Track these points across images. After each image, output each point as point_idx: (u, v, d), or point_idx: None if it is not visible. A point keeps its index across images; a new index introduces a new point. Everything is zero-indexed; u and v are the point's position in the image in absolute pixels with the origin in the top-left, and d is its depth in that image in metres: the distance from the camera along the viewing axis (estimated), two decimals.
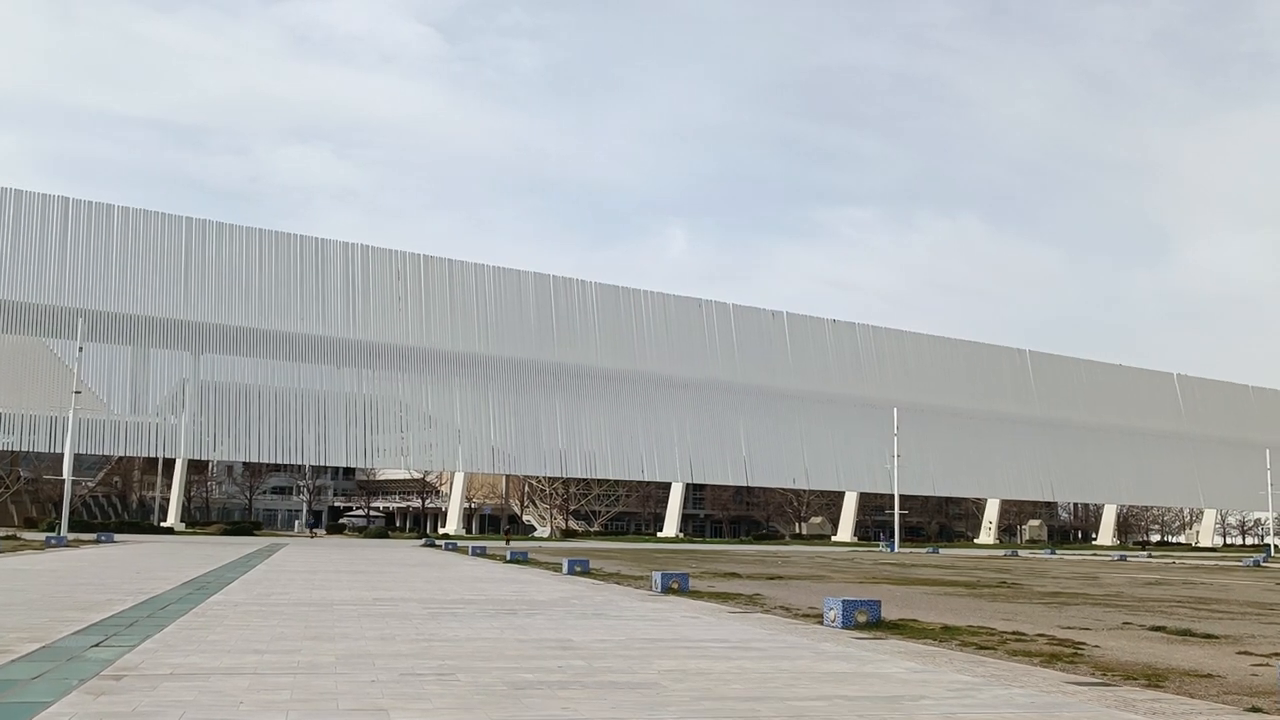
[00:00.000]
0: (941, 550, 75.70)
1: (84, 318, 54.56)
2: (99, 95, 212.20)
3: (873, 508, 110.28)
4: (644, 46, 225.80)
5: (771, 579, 27.62)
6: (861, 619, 13.90)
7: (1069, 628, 14.94)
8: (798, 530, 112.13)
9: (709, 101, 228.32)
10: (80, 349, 51.06)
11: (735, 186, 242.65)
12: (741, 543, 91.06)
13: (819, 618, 14.98)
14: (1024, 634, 13.60)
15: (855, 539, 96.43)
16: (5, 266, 61.83)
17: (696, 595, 19.60)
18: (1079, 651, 11.70)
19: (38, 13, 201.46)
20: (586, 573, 26.78)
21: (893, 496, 78.02)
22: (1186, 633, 14.55)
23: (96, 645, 9.99)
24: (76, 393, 50.83)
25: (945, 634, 13.23)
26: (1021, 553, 75.52)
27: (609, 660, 9.88)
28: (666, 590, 20.20)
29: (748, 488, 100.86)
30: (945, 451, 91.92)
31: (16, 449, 79.20)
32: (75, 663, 8.88)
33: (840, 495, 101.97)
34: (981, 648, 11.83)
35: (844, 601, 13.94)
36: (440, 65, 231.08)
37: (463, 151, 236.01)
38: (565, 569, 27.25)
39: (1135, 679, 9.55)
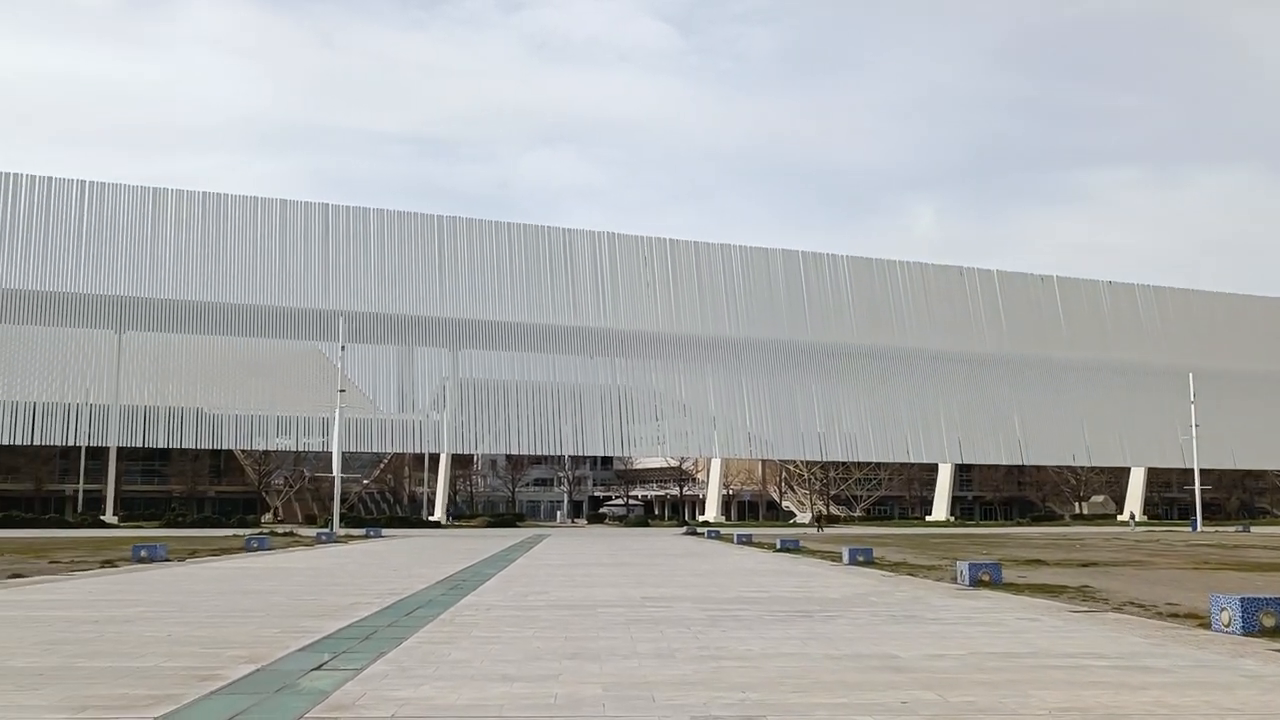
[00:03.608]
0: (1252, 528, 68.07)
1: (345, 318, 55.85)
2: (357, 115, 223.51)
3: (1160, 484, 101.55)
4: (879, 18, 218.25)
5: (1085, 566, 24.04)
6: (1269, 622, 10.65)
7: None
8: (1078, 510, 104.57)
9: (951, 69, 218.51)
10: (342, 348, 52.19)
11: (983, 155, 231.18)
12: (1019, 525, 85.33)
13: (1195, 618, 11.84)
14: None
15: (1146, 517, 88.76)
16: (275, 273, 64.35)
17: (1014, 589, 16.56)
18: None
19: (304, 44, 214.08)
20: (870, 563, 24.03)
21: (1182, 471, 70.99)
22: None
23: (318, 668, 8.17)
24: (341, 391, 51.96)
25: None
26: None
27: (965, 690, 7.25)
28: (976, 583, 17.24)
29: (1020, 467, 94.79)
30: (1244, 419, 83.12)
31: (297, 449, 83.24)
32: (283, 695, 7.02)
33: (1122, 471, 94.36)
34: None
35: (1243, 599, 10.72)
36: (676, 59, 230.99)
37: (701, 142, 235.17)
38: (846, 559, 24.55)
39: None
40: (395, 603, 14.08)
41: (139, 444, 64.31)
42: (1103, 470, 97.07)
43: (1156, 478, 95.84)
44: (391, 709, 6.54)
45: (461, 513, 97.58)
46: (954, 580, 18.23)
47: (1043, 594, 15.68)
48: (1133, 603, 14.39)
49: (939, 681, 7.61)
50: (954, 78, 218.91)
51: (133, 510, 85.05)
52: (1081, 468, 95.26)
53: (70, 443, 63.46)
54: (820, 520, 76.45)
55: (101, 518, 73.00)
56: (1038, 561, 25.75)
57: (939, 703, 6.82)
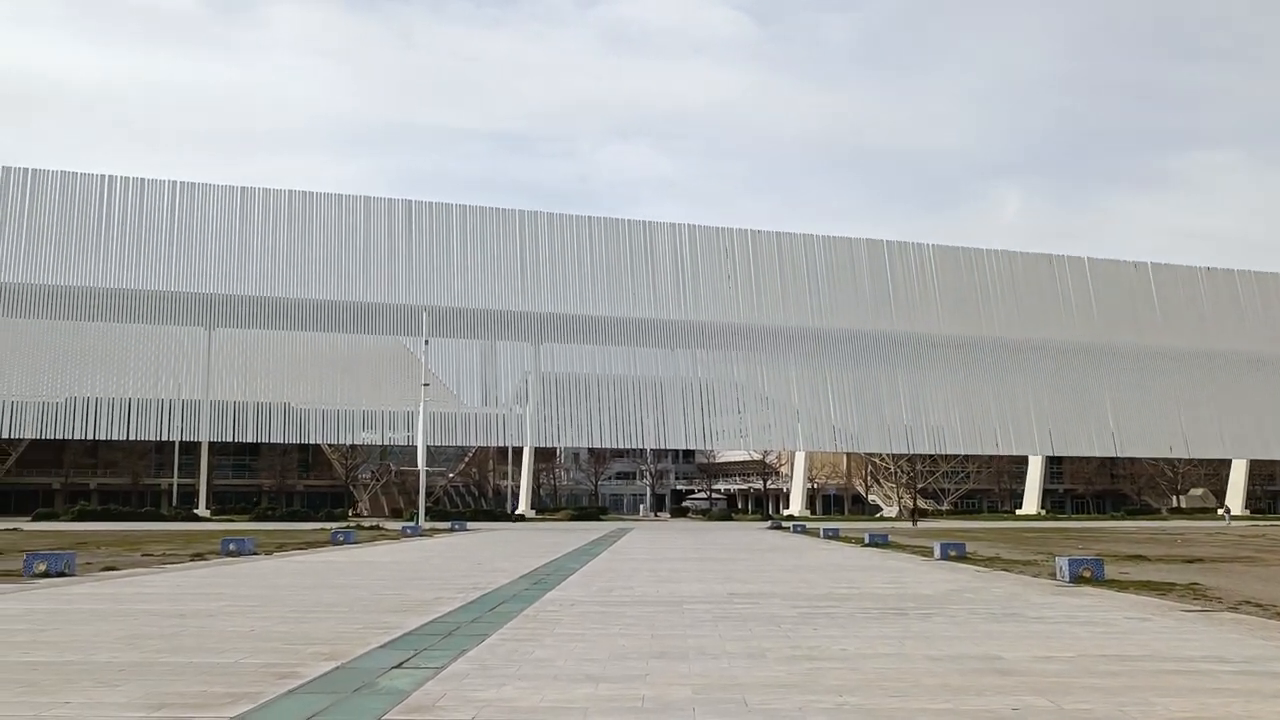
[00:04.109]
0: None
1: (428, 313, 56.26)
2: (438, 113, 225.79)
3: (1263, 476, 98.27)
4: (959, 1, 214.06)
5: (1190, 563, 23.10)
6: None
7: None
8: (1176, 504, 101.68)
9: (1038, 53, 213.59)
10: (426, 342, 52.57)
11: (1072, 140, 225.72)
12: (1113, 519, 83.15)
13: None
14: None
15: (1248, 510, 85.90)
16: (360, 269, 65.01)
17: (1118, 586, 15.88)
18: None
19: (385, 44, 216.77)
20: (963, 557, 23.37)
21: None
22: None
23: (399, 666, 7.96)
24: (425, 385, 52.33)
25: None
26: None
27: (1079, 697, 6.78)
28: (1076, 579, 16.58)
29: (1113, 459, 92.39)
30: None
31: (383, 444, 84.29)
32: (361, 695, 6.81)
33: (1223, 464, 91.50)
34: None
35: None
36: (752, 48, 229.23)
37: (779, 132, 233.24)
38: (938, 553, 23.91)
39: None
40: (478, 598, 13.91)
41: (229, 439, 65.52)
42: (1202, 462, 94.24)
43: (1259, 470, 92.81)
44: (472, 711, 6.28)
45: (545, 505, 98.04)
46: (1052, 576, 17.60)
47: (1149, 592, 15.00)
48: (1248, 601, 13.67)
49: (1050, 686, 7.15)
50: (1037, 60, 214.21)
51: (224, 504, 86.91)
52: (1179, 460, 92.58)
53: (164, 438, 64.84)
54: (915, 514, 75.19)
55: (195, 511, 74.67)
56: (1139, 557, 24.84)
57: (1053, 710, 6.36)
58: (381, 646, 8.99)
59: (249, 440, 66.28)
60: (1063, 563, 17.10)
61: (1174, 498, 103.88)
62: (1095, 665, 8.09)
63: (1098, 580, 16.49)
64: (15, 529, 50.66)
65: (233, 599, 13.60)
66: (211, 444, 73.84)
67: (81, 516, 67.82)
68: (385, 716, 6.12)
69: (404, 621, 10.87)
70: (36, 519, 69.08)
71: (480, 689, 7.00)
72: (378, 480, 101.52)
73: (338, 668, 7.87)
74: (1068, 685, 7.20)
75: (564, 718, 6.14)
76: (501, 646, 9.04)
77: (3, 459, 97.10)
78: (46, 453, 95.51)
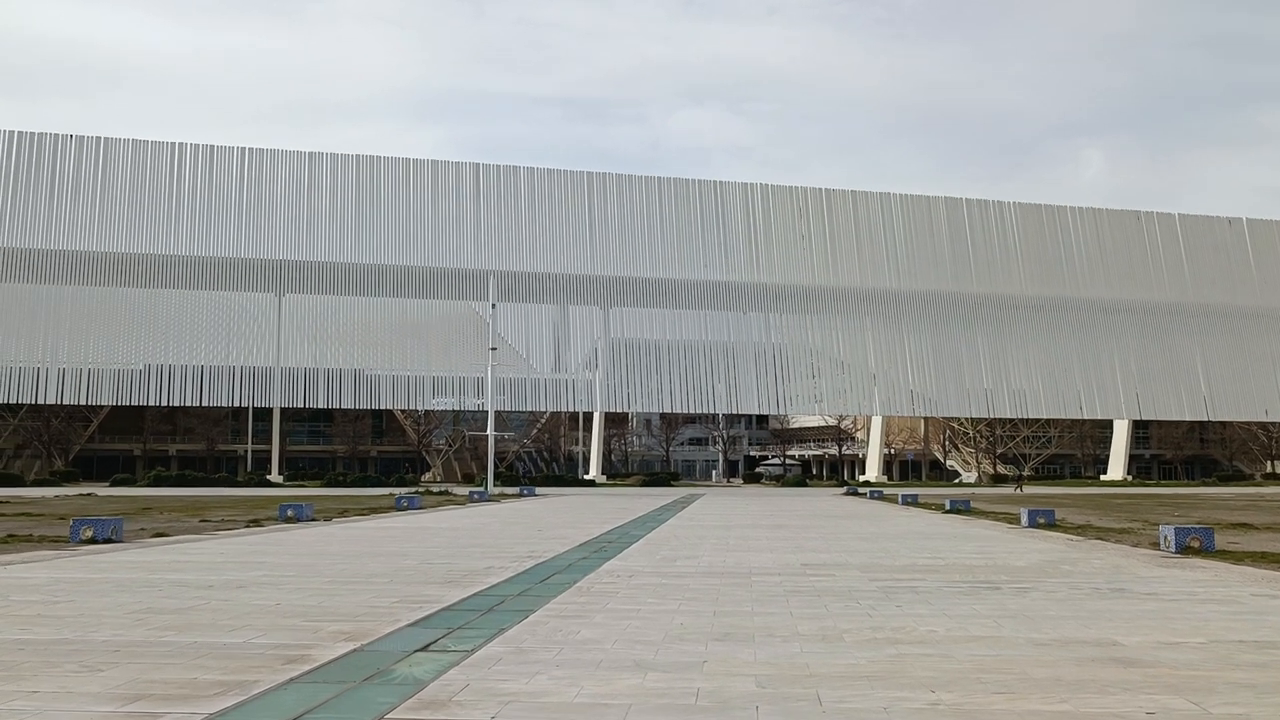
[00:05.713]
0: None
1: (495, 277, 55.62)
2: (508, 81, 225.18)
3: None
4: None
5: None
6: None
7: None
8: (1270, 469, 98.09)
9: (1121, 7, 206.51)
10: (493, 306, 51.94)
11: (1157, 98, 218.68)
12: (1204, 485, 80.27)
13: None
14: None
15: None
16: (428, 234, 64.53)
17: (1232, 557, 14.48)
18: None
19: (456, 13, 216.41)
20: (1052, 525, 21.97)
21: None
22: None
23: (424, 649, 7.00)
24: (493, 349, 51.75)
25: None
26: None
27: (1226, 697, 5.60)
28: (1183, 549, 15.20)
29: (1203, 423, 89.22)
30: None
31: (454, 409, 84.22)
32: (370, 686, 5.85)
33: None
34: None
35: None
36: (826, 9, 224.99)
37: (853, 95, 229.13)
38: (1025, 520, 22.53)
39: None
40: (532, 567, 12.99)
41: (300, 405, 65.70)
42: None
43: None
44: (493, 709, 5.29)
45: (617, 471, 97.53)
46: (1154, 546, 16.22)
47: (1269, 564, 13.59)
48: None
49: (1186, 682, 5.97)
50: (1119, 15, 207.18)
51: (298, 470, 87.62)
52: (1274, 424, 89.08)
53: (235, 404, 65.17)
54: (1019, 480, 73.36)
55: (268, 477, 75.27)
56: (1245, 525, 23.23)
57: (1198, 714, 5.20)
58: (411, 624, 8.07)
59: (320, 406, 66.40)
60: (1168, 531, 15.70)
61: (1268, 463, 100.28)
62: (1234, 655, 6.88)
63: (1207, 551, 15.09)
64: (89, 494, 51.22)
65: (271, 568, 12.83)
66: (284, 410, 74.29)
67: (157, 482, 68.63)
68: (390, 715, 5.15)
69: (445, 594, 9.96)
70: (114, 484, 70.15)
71: (509, 679, 6.01)
72: (450, 446, 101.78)
73: (355, 650, 6.95)
74: (1208, 681, 6.01)
75: (600, 718, 5.12)
76: (544, 625, 8.06)
77: (85, 426, 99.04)
78: (127, 420, 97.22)
